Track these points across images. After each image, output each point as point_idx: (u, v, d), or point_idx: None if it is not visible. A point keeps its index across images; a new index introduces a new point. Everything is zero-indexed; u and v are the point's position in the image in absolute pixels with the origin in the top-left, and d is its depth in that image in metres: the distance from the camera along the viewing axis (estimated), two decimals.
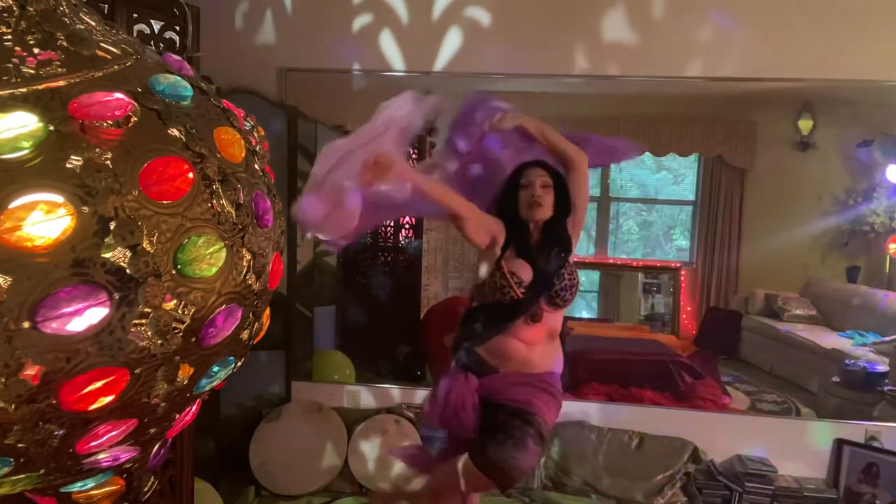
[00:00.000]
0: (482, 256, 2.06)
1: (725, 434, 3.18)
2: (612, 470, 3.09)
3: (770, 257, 4.21)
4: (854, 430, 3.11)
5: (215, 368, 0.78)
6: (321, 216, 1.59)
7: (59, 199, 0.60)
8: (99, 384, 0.64)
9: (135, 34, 2.11)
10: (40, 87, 0.64)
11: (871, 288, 3.89)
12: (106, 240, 0.61)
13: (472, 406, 1.96)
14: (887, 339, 3.59)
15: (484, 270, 2.04)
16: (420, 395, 3.39)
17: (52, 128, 0.62)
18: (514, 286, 1.91)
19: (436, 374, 3.86)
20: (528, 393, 1.94)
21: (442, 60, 3.19)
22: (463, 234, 1.94)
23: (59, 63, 0.67)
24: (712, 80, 3.14)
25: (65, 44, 0.69)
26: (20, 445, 0.65)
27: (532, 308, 1.93)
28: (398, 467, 3.13)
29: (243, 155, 0.77)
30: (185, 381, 0.73)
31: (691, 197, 4.96)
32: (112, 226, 0.62)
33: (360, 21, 3.22)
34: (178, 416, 0.80)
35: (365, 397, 3.38)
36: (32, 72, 0.65)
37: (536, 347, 1.98)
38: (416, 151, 4.21)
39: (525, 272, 1.93)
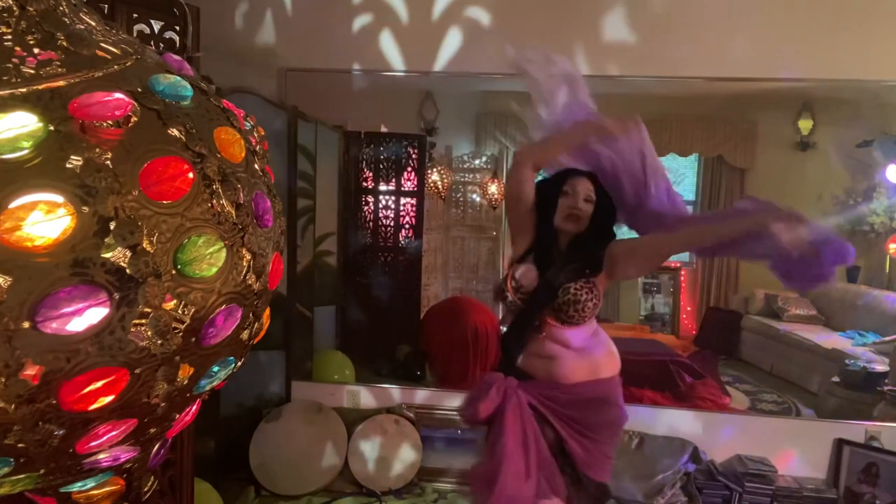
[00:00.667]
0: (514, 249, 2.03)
1: (725, 434, 3.18)
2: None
3: None
4: (854, 430, 3.11)
5: (215, 368, 0.78)
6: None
7: (59, 199, 0.60)
8: (99, 384, 0.64)
9: (135, 34, 2.11)
10: (40, 87, 0.64)
11: (871, 288, 3.89)
12: (106, 240, 0.61)
13: (517, 402, 1.86)
14: (887, 339, 3.59)
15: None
16: (420, 395, 3.39)
17: (52, 128, 0.62)
18: (512, 289, 1.87)
19: (436, 374, 3.87)
20: (567, 432, 1.85)
21: (442, 60, 3.19)
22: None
23: (59, 63, 0.67)
24: (712, 80, 3.14)
25: (65, 44, 0.69)
26: (20, 445, 0.65)
27: (535, 319, 1.87)
28: (398, 467, 3.14)
29: (243, 155, 0.77)
30: (185, 381, 0.73)
31: (691, 197, 4.96)
32: (112, 226, 0.62)
33: (360, 21, 3.22)
34: (178, 416, 0.80)
35: (365, 397, 3.38)
36: (32, 72, 0.65)
37: (557, 363, 1.88)
38: (415, 151, 4.21)
39: (528, 279, 1.87)
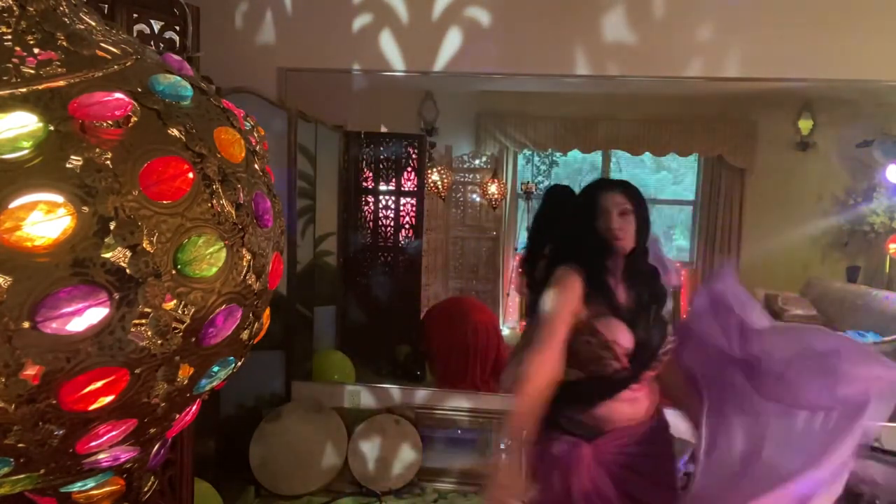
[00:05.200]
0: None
1: None
2: None
3: (770, 257, 4.22)
4: None
5: (215, 368, 0.78)
6: None
7: (59, 199, 0.60)
8: (99, 384, 0.64)
9: (135, 34, 2.11)
10: (40, 87, 0.64)
11: (871, 288, 3.89)
12: (106, 240, 0.61)
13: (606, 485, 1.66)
14: (887, 339, 3.59)
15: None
16: (420, 395, 3.39)
17: (52, 128, 0.62)
18: (621, 357, 1.63)
19: (436, 374, 3.87)
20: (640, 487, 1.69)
21: (442, 60, 3.19)
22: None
23: (59, 63, 0.67)
24: (712, 80, 3.14)
25: (65, 44, 0.69)
26: (20, 445, 0.65)
27: (639, 378, 1.68)
28: (398, 467, 3.14)
29: (243, 155, 0.77)
30: (185, 381, 0.73)
31: (691, 197, 4.96)
32: (112, 226, 0.62)
33: (360, 21, 3.22)
34: (178, 416, 0.81)
35: (365, 397, 3.38)
36: (32, 72, 0.65)
37: (640, 401, 1.72)
38: (415, 151, 4.22)
39: (624, 336, 1.64)
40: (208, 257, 0.68)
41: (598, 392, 1.68)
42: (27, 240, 0.58)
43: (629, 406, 1.69)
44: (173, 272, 0.66)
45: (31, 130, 0.61)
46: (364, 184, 4.20)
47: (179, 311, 0.67)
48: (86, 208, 0.61)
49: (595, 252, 1.69)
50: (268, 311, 0.86)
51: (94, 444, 0.70)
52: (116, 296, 0.62)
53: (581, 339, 1.63)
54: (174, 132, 0.69)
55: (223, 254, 0.70)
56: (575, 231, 1.74)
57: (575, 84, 3.38)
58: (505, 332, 4.53)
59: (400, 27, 3.21)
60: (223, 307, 0.71)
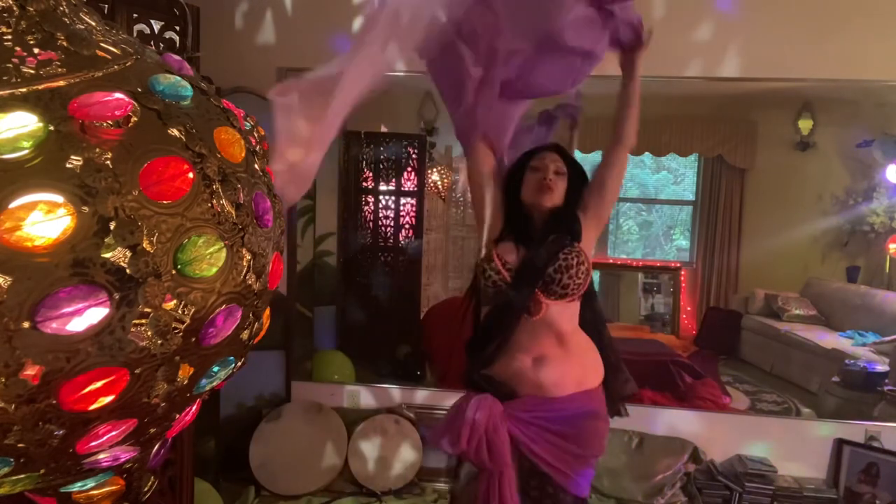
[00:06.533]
0: (485, 238, 1.84)
1: (725, 434, 3.18)
2: (611, 470, 3.09)
3: (770, 257, 4.22)
4: (854, 430, 3.11)
5: (215, 368, 0.78)
6: None
7: (59, 199, 0.60)
8: (99, 384, 0.64)
9: (135, 34, 2.11)
10: (40, 87, 0.64)
11: (871, 288, 3.89)
12: (106, 240, 0.61)
13: (504, 433, 1.67)
14: (887, 339, 3.59)
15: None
16: (420, 395, 3.39)
17: (52, 128, 0.62)
18: (504, 269, 1.69)
19: (436, 374, 3.87)
20: (551, 452, 1.70)
21: None
22: (470, 173, 1.80)
23: (59, 63, 0.67)
24: (712, 80, 3.14)
25: (65, 44, 0.69)
26: (20, 445, 0.65)
27: (526, 299, 1.68)
28: (398, 467, 3.14)
29: (243, 155, 0.77)
30: (185, 381, 0.73)
31: (691, 197, 4.96)
32: (112, 226, 0.62)
33: (360, 21, 3.22)
34: (178, 416, 0.80)
35: (365, 397, 3.38)
36: (32, 72, 0.65)
37: (547, 365, 1.71)
38: (415, 151, 4.22)
39: (510, 253, 1.73)
40: (208, 257, 0.68)
41: (495, 324, 1.71)
42: (27, 240, 0.58)
43: (532, 368, 1.71)
44: (173, 272, 0.66)
45: (31, 130, 0.61)
46: (364, 184, 4.20)
47: (179, 311, 0.67)
48: (86, 208, 0.61)
49: (520, 205, 1.80)
50: (268, 311, 0.86)
51: (94, 444, 0.70)
52: (116, 296, 0.62)
53: (478, 263, 1.77)
54: (174, 132, 0.69)
55: (223, 254, 0.70)
56: (510, 181, 1.84)
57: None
58: None
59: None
60: (223, 307, 0.71)
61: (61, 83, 0.65)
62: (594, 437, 1.75)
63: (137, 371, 0.67)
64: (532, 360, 1.72)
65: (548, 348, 1.72)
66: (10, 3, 0.68)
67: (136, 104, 0.67)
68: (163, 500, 2.11)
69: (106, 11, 2.02)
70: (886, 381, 3.37)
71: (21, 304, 0.58)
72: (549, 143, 1.91)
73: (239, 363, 0.84)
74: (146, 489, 0.92)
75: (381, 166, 4.20)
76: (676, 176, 5.27)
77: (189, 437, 2.21)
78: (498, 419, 1.66)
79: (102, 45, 0.73)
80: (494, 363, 1.74)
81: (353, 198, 4.16)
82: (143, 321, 0.65)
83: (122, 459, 0.80)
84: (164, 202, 0.65)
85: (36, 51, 0.67)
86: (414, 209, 4.20)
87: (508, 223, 1.80)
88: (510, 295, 1.69)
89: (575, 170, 1.84)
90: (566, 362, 1.73)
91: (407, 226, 4.21)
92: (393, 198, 4.21)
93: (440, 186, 4.47)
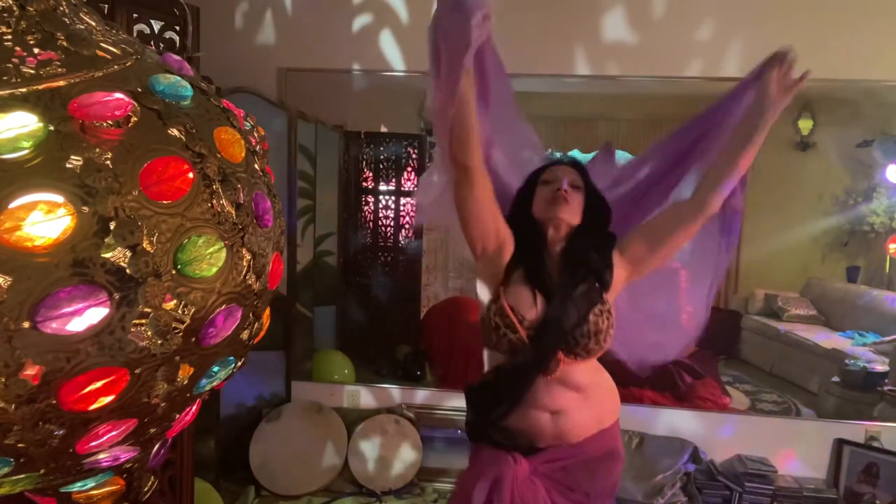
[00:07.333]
0: (481, 274, 1.56)
1: (725, 434, 3.18)
2: None
3: (770, 257, 4.21)
4: (854, 430, 3.11)
5: (215, 368, 0.78)
6: None
7: (59, 199, 0.60)
8: (99, 384, 0.64)
9: (135, 34, 2.10)
10: (40, 87, 0.64)
11: (871, 288, 3.89)
12: (106, 240, 0.61)
13: (540, 489, 1.50)
14: (887, 339, 3.59)
15: (484, 296, 1.54)
16: (420, 395, 3.39)
17: (52, 128, 0.62)
18: (521, 328, 1.44)
19: (436, 374, 3.87)
20: (573, 500, 1.55)
21: None
22: (462, 194, 1.44)
23: (59, 63, 0.67)
24: (712, 80, 3.13)
25: (65, 44, 0.69)
26: (20, 445, 0.65)
27: (545, 362, 1.46)
28: (398, 467, 3.14)
29: (243, 155, 0.77)
30: (185, 381, 0.73)
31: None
32: (112, 226, 0.62)
33: (360, 21, 3.22)
34: (178, 416, 0.80)
35: (365, 397, 3.38)
36: (32, 72, 0.65)
37: (566, 415, 1.51)
38: (415, 151, 4.21)
39: (528, 306, 1.46)
40: (208, 257, 0.68)
41: (507, 383, 1.48)
42: (27, 240, 0.58)
43: (551, 419, 1.51)
44: (173, 272, 0.66)
45: (31, 130, 0.61)
46: (364, 184, 4.20)
47: (179, 311, 0.67)
48: (86, 208, 0.61)
49: (532, 221, 1.56)
50: (268, 311, 0.86)
51: (94, 444, 0.70)
52: (116, 296, 0.62)
53: (487, 308, 1.50)
54: (174, 132, 0.69)
55: (223, 254, 0.70)
56: (520, 198, 1.61)
57: (575, 84, 3.38)
58: None
59: (400, 27, 3.21)
60: (223, 307, 0.71)
61: (61, 83, 0.65)
62: (610, 479, 1.62)
63: (137, 371, 0.67)
64: (550, 413, 1.52)
65: (566, 402, 1.52)
66: (10, 3, 0.68)
67: (136, 104, 0.67)
68: (163, 500, 2.10)
69: (106, 11, 2.02)
70: (886, 381, 3.36)
71: (21, 304, 0.58)
72: (565, 157, 1.70)
73: (239, 363, 0.84)
74: (146, 489, 0.92)
75: (381, 166, 4.20)
76: None
77: (189, 437, 2.21)
78: (527, 482, 1.49)
79: (102, 45, 0.73)
80: (508, 418, 1.53)
81: (353, 198, 4.16)
82: (143, 321, 0.65)
83: (122, 459, 0.80)
84: (164, 202, 0.66)
85: (36, 51, 0.67)
86: (414, 209, 4.20)
87: (519, 255, 1.53)
88: (527, 355, 1.46)
89: (593, 190, 1.60)
90: (586, 409, 1.54)
91: (407, 226, 4.21)
92: (393, 198, 4.21)
93: None
